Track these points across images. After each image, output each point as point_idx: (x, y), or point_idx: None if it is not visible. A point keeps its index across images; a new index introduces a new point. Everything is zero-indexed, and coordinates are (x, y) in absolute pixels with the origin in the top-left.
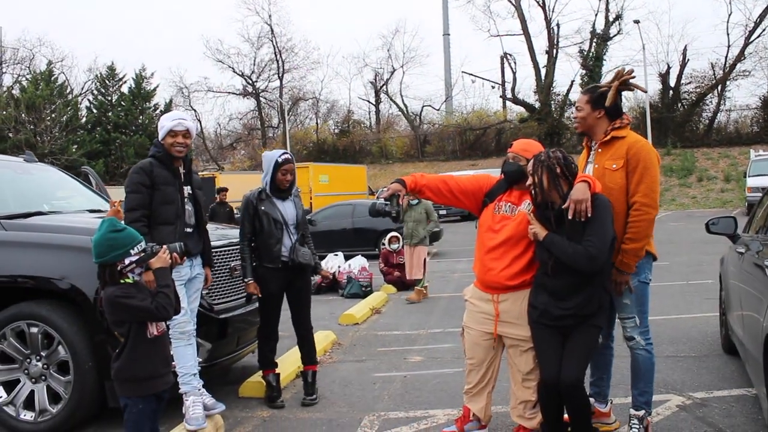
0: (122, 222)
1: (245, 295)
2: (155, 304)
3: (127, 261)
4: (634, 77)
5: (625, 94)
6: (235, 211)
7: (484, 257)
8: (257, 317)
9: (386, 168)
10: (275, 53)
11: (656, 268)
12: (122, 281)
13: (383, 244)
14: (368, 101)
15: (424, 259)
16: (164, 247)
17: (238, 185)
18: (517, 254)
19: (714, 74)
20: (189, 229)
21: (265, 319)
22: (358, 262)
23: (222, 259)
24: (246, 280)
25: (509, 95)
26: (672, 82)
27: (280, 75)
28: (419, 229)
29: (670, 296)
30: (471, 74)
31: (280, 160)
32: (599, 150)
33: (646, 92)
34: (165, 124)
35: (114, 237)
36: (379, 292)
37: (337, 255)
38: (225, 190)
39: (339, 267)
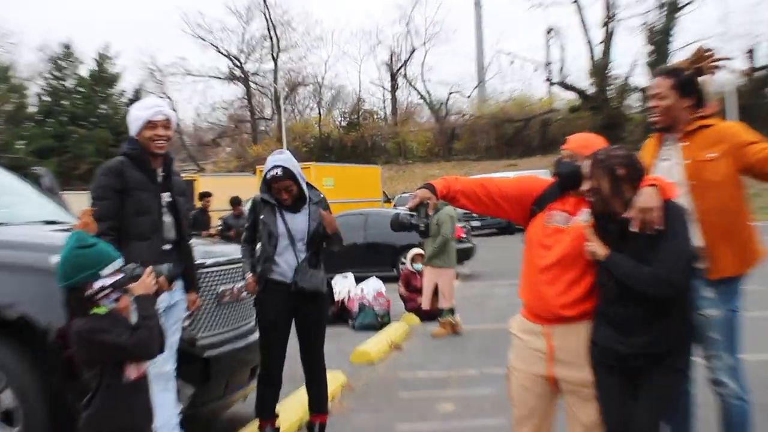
0: (92, 236)
1: (239, 326)
2: (135, 340)
3: (98, 285)
4: (729, 59)
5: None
6: (217, 222)
7: (534, 280)
8: (250, 354)
9: (405, 169)
10: (268, 28)
11: (747, 295)
12: (93, 310)
13: (403, 263)
14: (382, 87)
15: (436, 285)
16: (149, 268)
17: (223, 191)
18: (575, 276)
19: None
20: (168, 246)
21: (265, 357)
22: (373, 285)
23: (207, 282)
24: (246, 275)
25: (556, 79)
26: (762, 61)
27: (275, 55)
28: (428, 245)
29: (764, 330)
30: (509, 53)
31: (268, 177)
32: (686, 143)
33: (743, 73)
34: (139, 114)
35: (82, 254)
36: (398, 322)
37: (346, 277)
38: (208, 195)
39: (349, 292)
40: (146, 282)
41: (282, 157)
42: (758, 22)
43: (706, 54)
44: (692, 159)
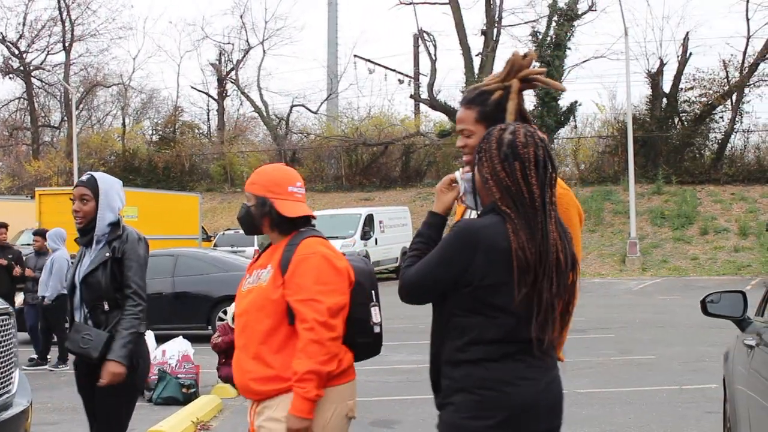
0: None
1: None
2: None
3: None
4: (543, 71)
5: (595, 99)
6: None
7: (236, 353)
8: None
9: (231, 199)
10: (59, 8)
11: (636, 366)
12: None
13: (222, 319)
14: (207, 94)
15: None
16: None
17: None
18: (261, 341)
19: (727, 77)
20: None
21: None
22: (178, 347)
23: None
24: None
25: (425, 95)
26: (666, 87)
27: (67, 45)
28: None
29: (654, 407)
30: (368, 60)
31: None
32: None
33: (563, 90)
34: None
35: None
36: (209, 395)
37: (144, 335)
38: (4, 225)
39: None
40: None
41: (99, 173)
42: (666, 41)
43: (525, 61)
44: None
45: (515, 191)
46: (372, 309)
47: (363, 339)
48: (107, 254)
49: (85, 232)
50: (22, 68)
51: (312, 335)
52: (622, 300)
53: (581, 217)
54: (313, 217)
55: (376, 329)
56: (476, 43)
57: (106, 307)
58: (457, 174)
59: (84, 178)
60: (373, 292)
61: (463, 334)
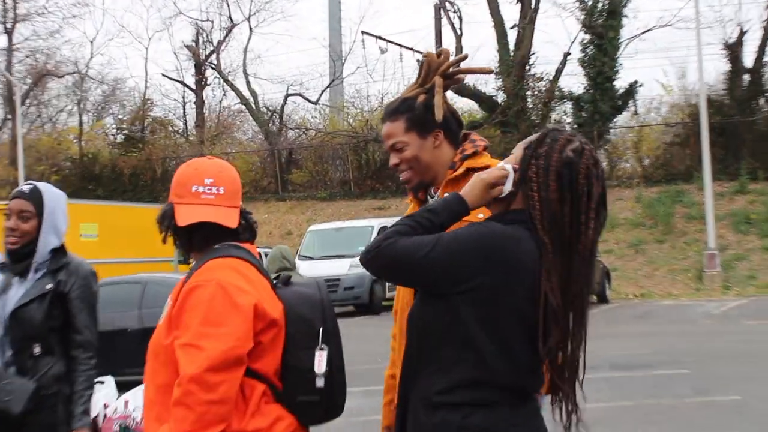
0: None
1: None
2: None
3: None
4: (464, 57)
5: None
6: None
7: None
8: None
9: None
10: None
11: (717, 409)
12: None
13: None
14: (182, 83)
15: None
16: None
17: None
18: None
19: None
20: None
21: None
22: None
23: None
24: None
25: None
26: (748, 60)
27: (9, 26)
28: None
29: None
30: (379, 38)
31: (11, 199)
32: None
33: (489, 72)
34: None
35: None
36: None
37: (103, 382)
38: None
39: (104, 406)
40: None
41: (44, 184)
42: (745, 4)
43: (441, 59)
44: None
45: (560, 225)
46: (317, 354)
47: (306, 397)
48: (48, 286)
49: (20, 256)
50: None
51: (179, 393)
52: (700, 326)
53: None
54: (229, 227)
55: (319, 383)
56: (511, 13)
57: (37, 350)
58: (508, 167)
59: (25, 188)
60: (322, 330)
61: (449, 373)
